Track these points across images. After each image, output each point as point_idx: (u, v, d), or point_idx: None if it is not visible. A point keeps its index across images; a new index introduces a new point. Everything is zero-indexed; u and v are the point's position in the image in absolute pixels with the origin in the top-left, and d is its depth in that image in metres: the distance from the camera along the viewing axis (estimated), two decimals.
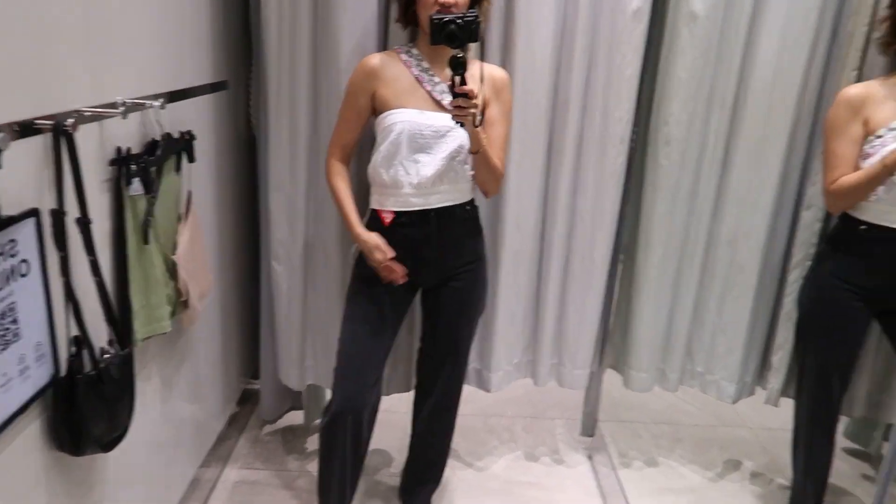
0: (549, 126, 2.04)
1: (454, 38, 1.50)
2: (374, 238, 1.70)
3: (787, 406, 2.14)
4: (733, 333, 2.21)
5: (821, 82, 2.00)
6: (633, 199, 2.20)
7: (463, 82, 1.49)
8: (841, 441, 2.31)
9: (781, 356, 2.12)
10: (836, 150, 1.76)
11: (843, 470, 2.36)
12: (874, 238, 1.76)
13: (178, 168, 1.62)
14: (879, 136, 1.71)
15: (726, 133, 2.05)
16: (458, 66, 1.48)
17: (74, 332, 1.21)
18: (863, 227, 1.77)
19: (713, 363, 2.27)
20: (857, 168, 1.74)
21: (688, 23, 1.92)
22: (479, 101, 1.53)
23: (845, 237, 1.83)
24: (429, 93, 1.69)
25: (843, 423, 2.41)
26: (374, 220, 1.76)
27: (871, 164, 1.69)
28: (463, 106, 1.51)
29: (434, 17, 1.51)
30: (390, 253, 1.70)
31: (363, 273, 1.79)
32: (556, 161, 2.07)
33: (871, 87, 1.75)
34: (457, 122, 1.57)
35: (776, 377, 2.15)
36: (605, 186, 2.07)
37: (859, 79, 1.88)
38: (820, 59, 1.97)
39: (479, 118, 1.56)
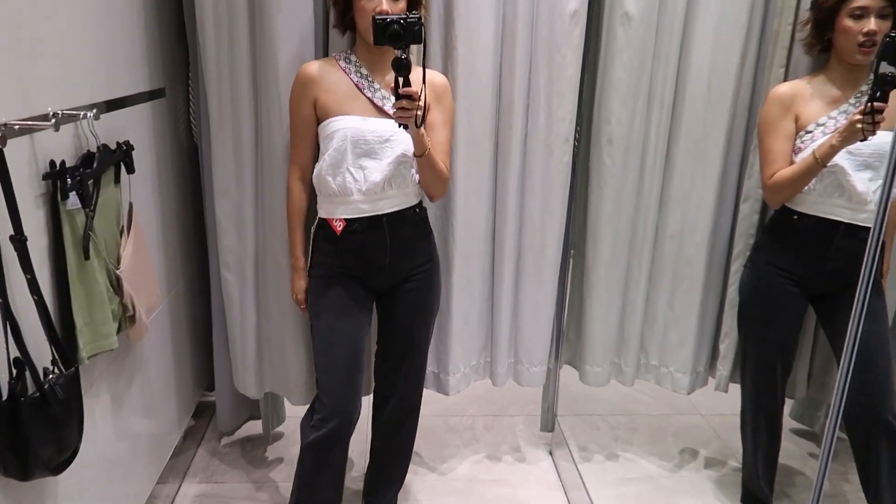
0: (495, 128, 2.07)
1: (398, 38, 1.49)
2: (303, 284, 1.86)
3: (737, 391, 2.20)
4: (684, 326, 2.27)
5: (753, 80, 2.06)
6: (580, 197, 2.24)
7: (407, 84, 1.50)
8: (787, 422, 2.39)
9: (728, 344, 2.19)
10: (772, 147, 1.84)
11: (791, 450, 2.44)
12: (806, 227, 1.84)
13: (116, 180, 1.60)
14: (809, 132, 1.80)
15: (667, 131, 2.11)
16: (402, 68, 1.48)
17: (15, 353, 1.18)
18: (795, 216, 1.85)
19: (666, 356, 2.32)
20: (791, 162, 1.82)
21: (623, 23, 1.97)
22: (423, 102, 1.54)
23: (780, 227, 1.91)
24: (369, 99, 1.70)
25: (788, 405, 2.49)
26: (323, 230, 1.76)
27: (803, 157, 1.77)
28: (406, 108, 1.52)
29: (377, 17, 1.51)
30: (306, 302, 1.87)
31: (321, 282, 1.80)
32: (502, 162, 2.09)
33: (798, 86, 1.84)
34: (400, 125, 1.58)
35: (724, 364, 2.22)
36: (553, 186, 2.10)
37: (786, 76, 1.95)
38: (752, 58, 2.04)
39: (420, 120, 1.57)
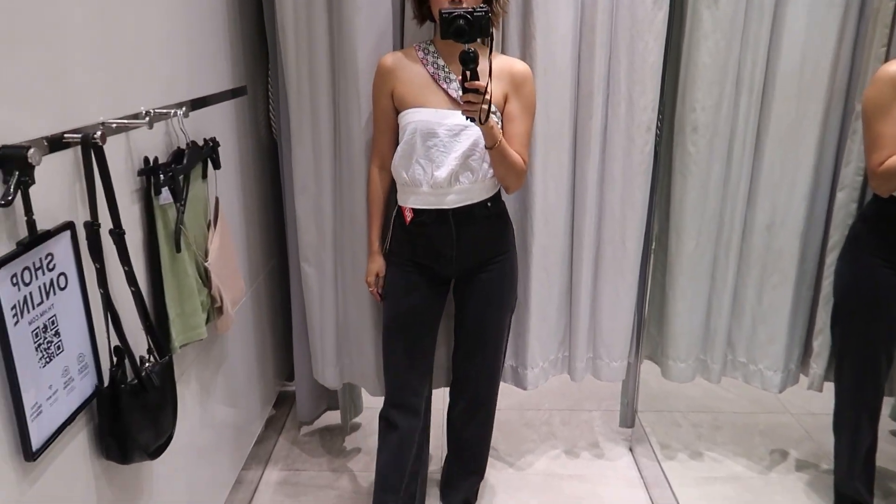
0: (574, 118, 2.02)
1: (462, 34, 1.49)
2: (374, 267, 1.89)
3: (829, 389, 2.09)
4: (774, 321, 2.17)
5: (851, 61, 1.95)
6: (662, 187, 2.17)
7: (474, 77, 1.48)
8: (885, 423, 2.25)
9: (822, 340, 2.07)
10: (881, 131, 1.70)
11: (889, 451, 2.30)
12: None
13: (204, 175, 1.65)
14: None
15: (756, 117, 2.01)
16: (468, 61, 1.47)
17: (115, 342, 1.24)
18: None
19: (755, 352, 2.23)
20: None
21: (709, 6, 1.89)
22: (489, 97, 1.52)
23: (882, 215, 1.79)
24: (445, 90, 1.69)
25: (886, 406, 2.35)
26: (398, 217, 1.80)
27: None
28: (473, 101, 1.50)
29: (444, 11, 1.51)
30: (376, 285, 1.90)
31: (394, 270, 1.84)
32: (582, 153, 2.05)
33: None
34: (467, 118, 1.56)
35: (818, 362, 2.10)
36: (634, 176, 2.04)
37: (887, 55, 1.83)
38: (849, 37, 1.92)
39: (492, 116, 1.56)
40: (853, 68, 1.96)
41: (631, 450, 2.43)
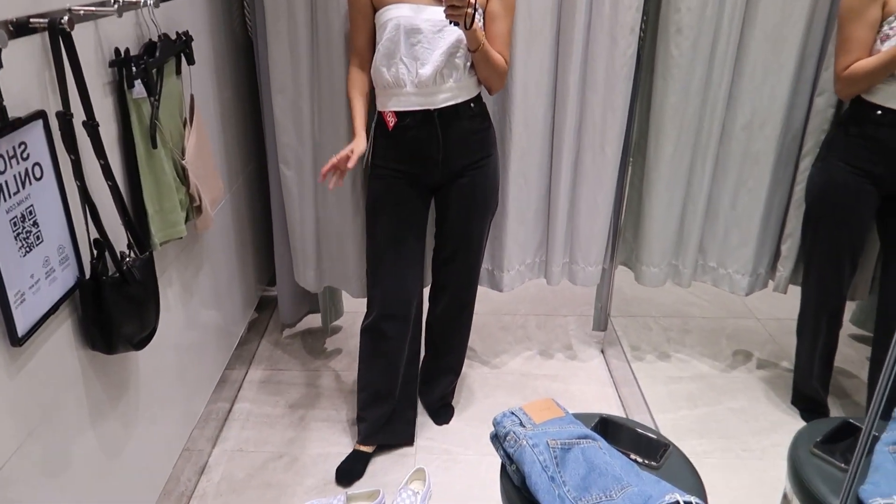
0: (556, 15, 1.98)
1: None
2: (353, 144, 1.69)
3: (794, 294, 2.17)
4: (747, 226, 2.21)
5: None
6: (643, 92, 2.15)
7: None
8: (847, 327, 2.35)
9: (791, 244, 2.13)
10: (853, 34, 1.72)
11: (848, 354, 2.42)
12: (890, 123, 1.73)
13: (178, 71, 1.60)
14: None
15: (741, 18, 1.97)
16: None
17: (94, 235, 1.24)
18: (878, 112, 1.75)
19: (726, 257, 2.28)
20: (871, 52, 1.71)
21: None
22: (471, 1, 1.50)
23: (858, 123, 1.81)
24: None
25: (849, 311, 2.44)
26: (380, 124, 1.76)
27: (890, 45, 1.65)
28: (457, 5, 1.50)
29: None
30: (348, 156, 1.67)
31: (379, 183, 1.81)
32: (563, 53, 2.02)
33: None
34: (451, 23, 1.55)
35: (785, 265, 2.17)
36: (616, 80, 2.02)
37: None
38: None
39: (474, 20, 1.53)
40: None
41: (602, 351, 2.53)
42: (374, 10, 1.70)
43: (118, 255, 1.28)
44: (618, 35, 1.97)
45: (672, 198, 2.21)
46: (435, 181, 1.81)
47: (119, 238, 1.33)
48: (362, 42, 1.76)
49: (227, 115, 2.09)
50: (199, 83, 1.81)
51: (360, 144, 1.70)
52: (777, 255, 2.25)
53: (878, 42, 1.71)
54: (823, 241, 1.94)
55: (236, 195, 2.19)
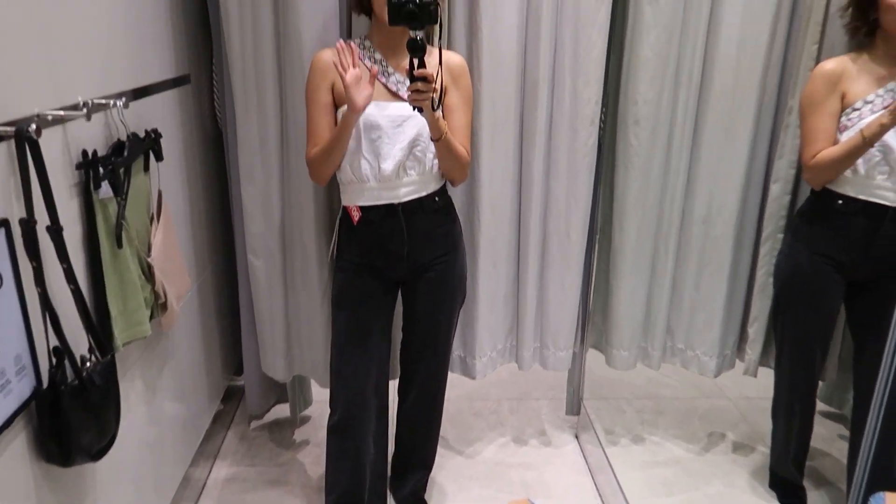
0: (520, 109, 2.05)
1: (413, 18, 1.47)
2: (364, 95, 1.57)
3: (763, 374, 2.19)
4: (711, 308, 2.25)
5: (784, 56, 2.03)
6: (606, 178, 2.21)
7: (421, 65, 1.48)
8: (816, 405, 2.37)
9: (757, 327, 2.16)
10: (815, 125, 1.78)
11: (819, 432, 2.41)
12: (851, 212, 1.79)
13: (146, 168, 1.60)
14: (856, 109, 1.75)
15: (694, 110, 2.07)
16: (417, 49, 1.47)
17: (54, 342, 1.20)
18: (839, 201, 1.80)
19: (693, 338, 2.31)
20: (834, 142, 1.77)
21: (650, 2, 1.93)
22: (441, 83, 1.51)
23: (820, 212, 1.86)
24: (384, 84, 1.69)
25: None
26: (344, 219, 1.77)
27: (849, 136, 1.72)
28: (421, 90, 1.49)
29: None
30: (354, 70, 1.57)
31: (343, 277, 1.80)
32: (527, 144, 2.08)
33: (844, 62, 1.78)
34: (415, 108, 1.55)
35: (754, 348, 2.19)
36: (578, 168, 2.08)
37: (819, 52, 1.91)
38: (782, 34, 2.00)
39: (437, 102, 1.55)
40: (785, 64, 2.04)
41: (577, 437, 2.50)
42: (336, 107, 1.73)
43: (78, 360, 1.24)
44: (578, 126, 2.04)
45: (638, 281, 2.24)
46: (400, 275, 1.81)
47: (80, 342, 1.29)
48: (325, 135, 1.74)
49: (196, 206, 2.09)
50: (168, 177, 1.81)
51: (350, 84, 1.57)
52: (743, 336, 2.28)
53: (838, 133, 1.78)
54: (793, 327, 1.96)
55: (204, 286, 2.16)
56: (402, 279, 1.83)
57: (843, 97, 1.77)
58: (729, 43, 1.99)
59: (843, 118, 1.76)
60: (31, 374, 1.17)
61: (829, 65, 1.78)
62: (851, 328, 1.98)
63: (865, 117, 1.72)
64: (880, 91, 1.74)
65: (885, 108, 1.66)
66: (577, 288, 2.25)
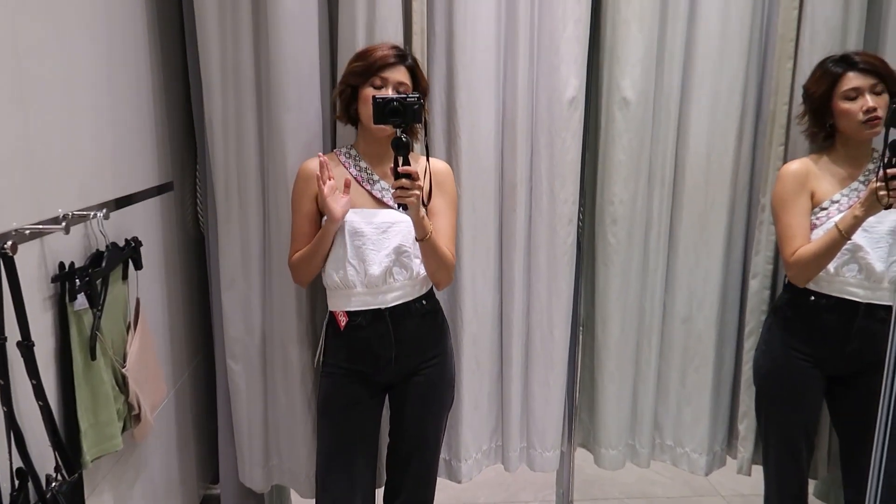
0: (499, 210, 2.09)
1: (397, 114, 1.52)
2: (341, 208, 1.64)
3: (758, 471, 2.14)
4: (698, 403, 2.22)
5: (752, 156, 2.10)
6: (586, 276, 2.24)
7: (406, 163, 1.51)
8: (811, 501, 2.30)
9: (748, 424, 2.13)
10: (790, 223, 1.81)
11: None
12: (824, 308, 1.81)
13: (124, 276, 1.60)
14: (824, 209, 1.80)
15: (669, 209, 2.13)
16: (401, 147, 1.50)
17: (18, 463, 1.16)
18: (812, 297, 1.82)
19: (682, 435, 2.27)
20: (809, 240, 1.80)
21: (621, 108, 2.02)
22: (422, 183, 1.54)
23: (795, 308, 1.88)
24: (368, 191, 1.73)
25: (811, 484, 2.40)
26: (331, 324, 1.77)
27: (819, 235, 1.76)
28: (406, 187, 1.51)
29: (377, 98, 1.54)
30: (331, 184, 1.64)
31: (330, 382, 1.78)
32: (508, 243, 2.10)
33: (807, 164, 1.85)
34: (399, 207, 1.57)
35: (745, 445, 2.15)
36: (558, 266, 2.10)
37: (786, 153, 1.99)
38: (748, 136, 2.08)
39: (430, 198, 1.57)
40: (754, 163, 2.11)
41: None
42: (321, 216, 1.75)
43: (43, 480, 1.19)
44: (557, 226, 2.08)
45: (623, 377, 2.22)
46: (388, 380, 1.79)
47: (47, 460, 1.25)
48: (305, 242, 1.76)
49: (176, 311, 2.07)
50: (147, 284, 1.80)
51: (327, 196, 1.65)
52: (733, 433, 2.24)
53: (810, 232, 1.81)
54: (776, 424, 1.94)
55: (181, 391, 2.11)
56: (389, 384, 1.81)
57: (812, 195, 1.82)
58: (698, 145, 2.07)
59: (813, 218, 1.81)
60: None
61: (794, 166, 1.85)
62: (835, 425, 1.96)
63: (833, 216, 1.76)
64: (845, 191, 1.80)
65: (856, 202, 1.71)
66: (563, 385, 2.22)
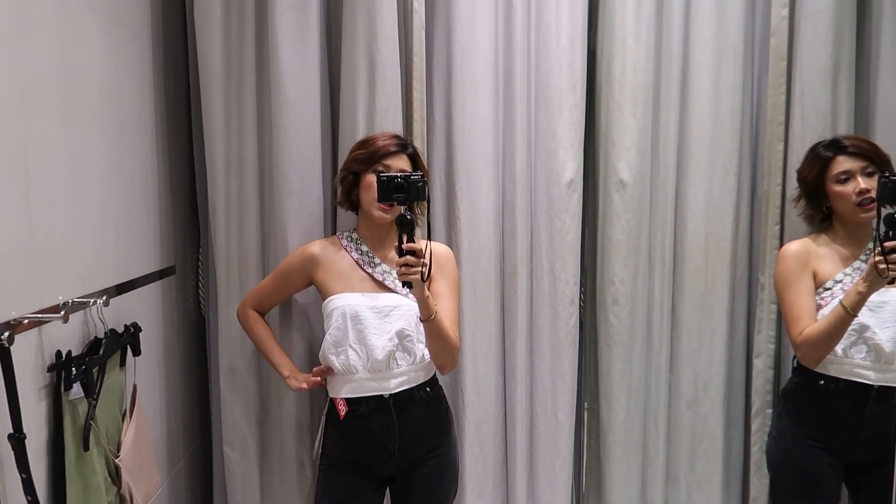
0: (500, 292, 2.09)
1: (402, 190, 1.52)
2: (286, 366, 1.80)
3: None
4: (709, 488, 2.15)
5: (750, 235, 2.12)
6: (589, 356, 2.21)
7: (410, 240, 1.50)
8: None
9: None
10: (795, 303, 1.78)
11: None
12: (834, 392, 1.75)
13: (122, 363, 1.58)
14: (828, 289, 1.78)
15: (670, 288, 2.12)
16: (405, 224, 1.49)
17: None
18: (821, 381, 1.77)
19: None
20: (815, 320, 1.76)
21: (618, 189, 2.05)
22: (426, 260, 1.52)
23: (804, 393, 1.82)
24: (369, 275, 1.73)
25: None
26: (331, 413, 1.73)
27: (828, 311, 1.72)
28: (411, 264, 1.49)
29: (382, 175, 1.55)
30: (303, 383, 1.76)
31: (329, 473, 1.73)
32: (510, 325, 2.09)
33: (808, 244, 1.84)
34: (404, 285, 1.55)
35: None
36: (561, 347, 2.08)
37: (782, 232, 2.00)
38: (745, 215, 2.10)
39: (430, 274, 1.55)
40: (752, 242, 2.12)
41: None
42: (322, 298, 1.75)
43: None
44: (559, 307, 2.07)
45: (631, 462, 2.16)
46: (391, 472, 1.73)
47: None
48: (275, 302, 1.87)
49: (172, 397, 2.04)
50: (145, 370, 1.78)
51: (286, 367, 1.81)
52: None
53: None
54: None
55: (176, 480, 2.05)
56: (391, 476, 1.75)
57: (814, 275, 1.80)
58: (696, 224, 2.08)
59: (817, 298, 1.79)
60: None
61: (794, 246, 1.84)
62: None
63: (837, 296, 1.74)
64: (847, 270, 1.79)
65: (859, 279, 1.69)
66: (569, 472, 2.16)
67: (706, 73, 2.05)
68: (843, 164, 1.77)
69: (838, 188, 1.77)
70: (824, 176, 1.79)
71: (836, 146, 1.80)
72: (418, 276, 1.51)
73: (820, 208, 1.85)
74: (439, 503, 1.77)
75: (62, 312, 1.30)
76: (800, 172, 1.89)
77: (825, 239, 1.84)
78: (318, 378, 1.73)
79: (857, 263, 1.79)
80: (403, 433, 1.69)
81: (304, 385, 1.75)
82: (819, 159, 1.82)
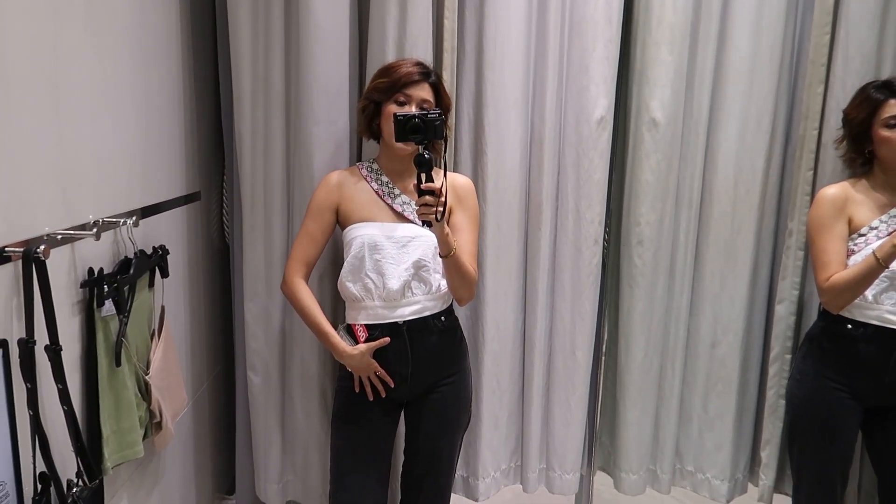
0: (524, 229, 2.08)
1: (418, 131, 1.52)
2: (360, 354, 1.69)
3: (779, 500, 2.08)
4: (720, 429, 2.18)
5: (780, 180, 2.08)
6: (610, 297, 2.21)
7: (429, 179, 1.50)
8: None
9: (770, 451, 2.09)
10: (826, 248, 1.77)
11: None
12: (862, 337, 1.75)
13: (151, 284, 1.61)
14: (862, 235, 1.76)
15: (696, 231, 2.10)
16: (423, 164, 1.49)
17: (41, 467, 1.16)
18: (849, 325, 1.77)
19: (703, 461, 2.23)
20: (845, 265, 1.75)
21: (650, 129, 2.01)
22: (445, 195, 1.52)
23: (831, 337, 1.82)
24: (389, 206, 1.73)
25: None
26: (348, 337, 1.75)
27: (860, 259, 1.71)
28: (430, 203, 1.50)
29: (398, 115, 1.54)
30: (378, 369, 1.69)
31: (346, 397, 1.77)
32: (532, 263, 2.09)
33: (846, 188, 1.81)
34: (424, 224, 1.57)
35: (767, 473, 2.11)
36: (582, 287, 2.09)
37: (815, 178, 1.96)
38: (777, 160, 2.06)
39: (441, 215, 1.54)
40: (782, 188, 2.09)
41: None
42: (341, 228, 1.76)
43: (65, 485, 1.19)
44: (582, 246, 2.06)
45: (646, 401, 2.19)
46: (404, 396, 1.77)
47: (69, 465, 1.25)
48: (314, 254, 1.76)
49: (198, 321, 2.08)
50: (172, 293, 1.81)
51: (361, 354, 1.69)
52: (756, 460, 2.20)
53: (846, 258, 1.77)
54: (811, 458, 1.88)
55: (199, 401, 2.11)
56: (405, 400, 1.79)
57: (849, 221, 1.78)
58: (726, 168, 2.05)
59: (850, 244, 1.77)
60: (14, 502, 1.11)
61: (832, 189, 1.81)
62: (872, 459, 1.90)
63: (872, 243, 1.72)
64: (884, 217, 1.76)
65: (889, 233, 1.67)
66: (584, 408, 2.19)
67: (747, 11, 1.97)
68: (893, 108, 1.71)
69: (886, 133, 1.72)
70: (873, 119, 1.74)
71: (889, 88, 1.74)
72: (438, 216, 1.52)
73: (862, 152, 1.80)
74: (450, 428, 1.81)
75: (94, 230, 1.31)
76: (846, 113, 1.83)
77: (864, 184, 1.81)
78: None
79: (894, 211, 1.76)
80: (416, 359, 1.72)
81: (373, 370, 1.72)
82: (869, 101, 1.76)
